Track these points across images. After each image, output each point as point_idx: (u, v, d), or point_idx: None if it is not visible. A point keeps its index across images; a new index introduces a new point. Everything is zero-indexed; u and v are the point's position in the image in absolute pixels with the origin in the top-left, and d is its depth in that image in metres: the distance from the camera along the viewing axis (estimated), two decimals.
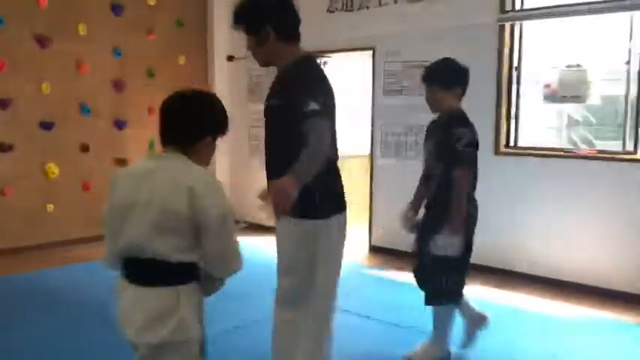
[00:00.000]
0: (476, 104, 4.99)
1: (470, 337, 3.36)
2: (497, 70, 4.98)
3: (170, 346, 1.85)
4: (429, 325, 3.28)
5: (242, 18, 2.49)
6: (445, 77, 3.11)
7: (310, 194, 2.34)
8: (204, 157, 1.98)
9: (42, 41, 5.53)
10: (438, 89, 3.10)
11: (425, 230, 3.16)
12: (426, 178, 3.26)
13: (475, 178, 3.11)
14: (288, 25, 2.49)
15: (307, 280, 2.46)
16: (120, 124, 6.21)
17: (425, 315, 3.30)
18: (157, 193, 1.83)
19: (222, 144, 2.15)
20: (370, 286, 4.75)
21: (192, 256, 1.88)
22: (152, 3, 6.37)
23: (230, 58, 2.42)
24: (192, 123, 1.92)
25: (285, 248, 2.53)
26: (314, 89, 2.37)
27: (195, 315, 1.90)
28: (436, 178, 3.11)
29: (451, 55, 3.22)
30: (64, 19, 5.70)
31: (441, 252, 2.99)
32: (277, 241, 2.57)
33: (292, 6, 2.51)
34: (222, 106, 2.02)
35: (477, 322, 3.33)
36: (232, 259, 1.93)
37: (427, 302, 3.17)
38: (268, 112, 2.51)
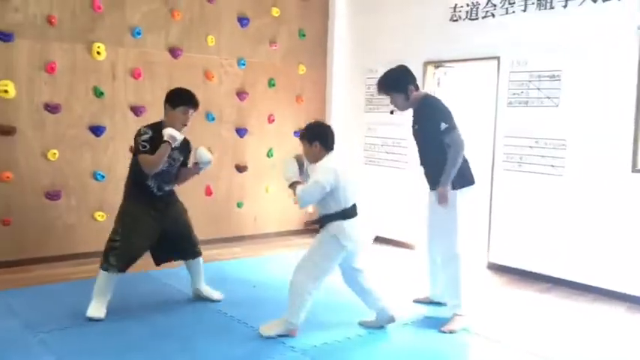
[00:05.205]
0: (613, 117, 4.69)
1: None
2: (638, 81, 4.57)
3: None
4: None
5: (393, 86, 3.99)
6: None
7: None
8: None
9: (173, 52, 5.87)
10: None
11: None
12: None
13: None
14: (416, 82, 4.04)
15: None
16: (241, 132, 6.44)
17: None
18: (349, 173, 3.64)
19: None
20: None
21: None
22: (276, 14, 6.56)
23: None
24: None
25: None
26: (443, 114, 3.91)
27: None
28: None
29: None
30: (194, 31, 6.02)
31: None
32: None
33: None
34: None
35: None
36: None
37: None
38: (417, 134, 4.10)
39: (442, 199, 3.86)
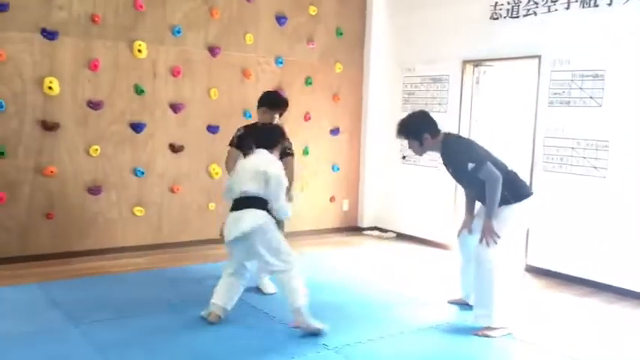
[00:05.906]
0: None
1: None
2: None
3: (262, 227, 3.66)
4: None
5: (407, 133, 4.03)
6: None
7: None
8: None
9: (212, 50, 5.93)
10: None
11: None
12: None
13: None
14: (434, 129, 3.97)
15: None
16: None
17: None
18: (254, 165, 3.73)
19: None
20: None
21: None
22: (313, 13, 6.57)
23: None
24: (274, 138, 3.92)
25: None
26: (467, 153, 3.86)
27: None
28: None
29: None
30: (233, 29, 6.07)
31: None
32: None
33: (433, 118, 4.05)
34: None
35: None
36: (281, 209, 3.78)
37: None
38: (453, 175, 4.10)
39: (487, 233, 3.77)
